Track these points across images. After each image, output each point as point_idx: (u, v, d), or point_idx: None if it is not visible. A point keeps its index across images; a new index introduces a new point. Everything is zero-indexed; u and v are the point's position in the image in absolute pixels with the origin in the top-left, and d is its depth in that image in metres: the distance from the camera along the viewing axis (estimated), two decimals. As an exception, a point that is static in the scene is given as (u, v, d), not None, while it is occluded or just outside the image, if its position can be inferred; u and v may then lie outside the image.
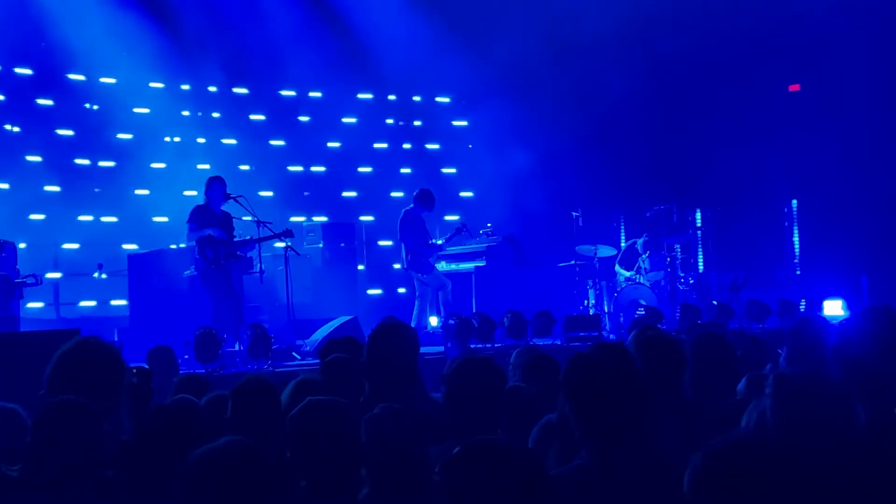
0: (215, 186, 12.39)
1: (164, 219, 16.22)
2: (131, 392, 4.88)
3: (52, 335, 8.99)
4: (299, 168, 18.29)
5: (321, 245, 16.22)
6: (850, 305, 14.99)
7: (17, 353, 7.85)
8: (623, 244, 17.10)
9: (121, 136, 16.43)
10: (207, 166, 16.87)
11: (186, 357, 10.81)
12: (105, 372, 4.13)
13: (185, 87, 17.17)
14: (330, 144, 18.61)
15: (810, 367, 4.10)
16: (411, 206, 14.23)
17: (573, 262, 15.93)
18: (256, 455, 3.04)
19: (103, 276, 14.59)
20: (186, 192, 15.98)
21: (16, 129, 15.77)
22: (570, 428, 3.98)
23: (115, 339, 11.85)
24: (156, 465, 3.81)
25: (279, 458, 3.75)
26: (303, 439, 3.57)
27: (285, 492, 3.20)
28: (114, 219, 16.11)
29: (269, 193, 17.04)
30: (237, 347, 11.19)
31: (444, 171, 19.50)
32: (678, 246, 16.56)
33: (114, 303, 15.29)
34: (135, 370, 5.81)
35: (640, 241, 16.10)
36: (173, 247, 13.97)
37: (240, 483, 2.96)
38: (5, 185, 15.44)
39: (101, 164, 16.41)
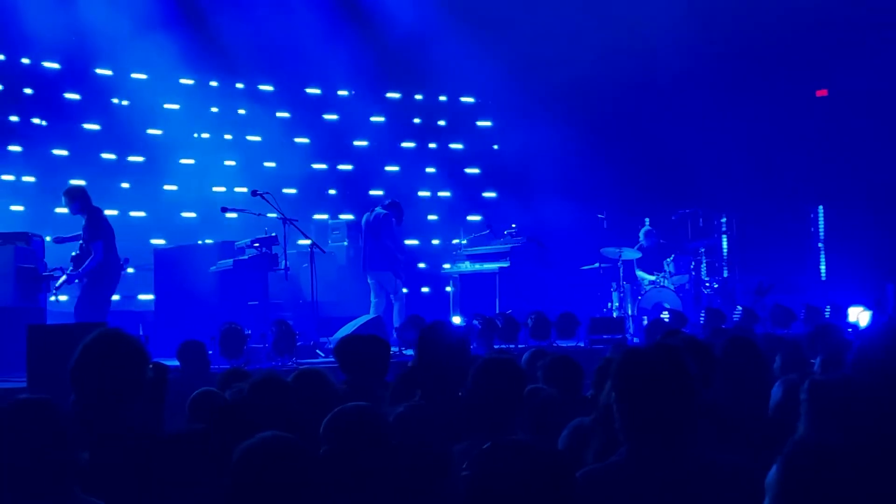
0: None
1: (192, 214, 16.33)
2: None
3: (81, 328, 9.06)
4: (323, 166, 18.31)
5: (346, 243, 16.26)
6: (875, 313, 14.90)
7: (45, 345, 7.92)
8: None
9: (151, 131, 16.52)
10: (234, 163, 16.96)
11: (211, 352, 10.86)
12: (127, 364, 4.12)
13: (214, 83, 17.25)
14: (357, 143, 18.64)
15: (842, 373, 4.09)
16: (385, 211, 14.29)
17: (597, 264, 15.90)
18: (299, 449, 3.05)
19: (130, 270, 14.65)
20: (215, 188, 16.07)
21: (43, 122, 15.87)
22: (603, 432, 3.98)
23: (141, 332, 11.90)
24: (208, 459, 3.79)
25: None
26: (336, 445, 3.56)
27: (325, 487, 3.19)
28: (142, 213, 16.19)
29: (293, 191, 17.08)
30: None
31: (468, 171, 19.50)
32: (703, 250, 16.51)
33: (140, 297, 15.36)
34: (151, 365, 5.77)
35: (641, 232, 16.19)
36: (200, 242, 14.04)
37: (283, 477, 2.96)
38: (32, 179, 15.54)
39: (131, 159, 16.50)
